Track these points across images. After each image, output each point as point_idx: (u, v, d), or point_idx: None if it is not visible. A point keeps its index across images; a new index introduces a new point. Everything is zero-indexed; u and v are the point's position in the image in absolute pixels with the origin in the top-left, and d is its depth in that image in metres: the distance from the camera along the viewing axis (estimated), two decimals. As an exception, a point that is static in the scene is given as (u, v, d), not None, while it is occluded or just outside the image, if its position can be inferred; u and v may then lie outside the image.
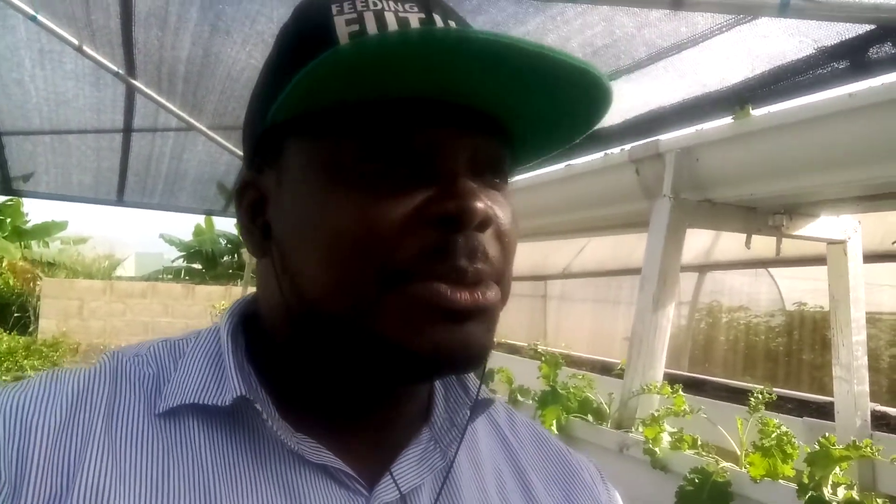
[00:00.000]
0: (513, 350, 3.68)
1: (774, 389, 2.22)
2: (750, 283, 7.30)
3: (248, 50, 3.23)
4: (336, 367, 0.50)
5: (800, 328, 6.42)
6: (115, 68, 3.57)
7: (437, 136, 0.46)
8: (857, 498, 0.89)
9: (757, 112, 2.63)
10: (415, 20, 0.47)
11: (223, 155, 5.64)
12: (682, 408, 1.34)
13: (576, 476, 0.62)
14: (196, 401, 0.49)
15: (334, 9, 0.48)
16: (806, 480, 0.94)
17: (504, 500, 0.57)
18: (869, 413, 1.77)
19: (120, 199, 6.28)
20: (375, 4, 0.48)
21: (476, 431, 0.60)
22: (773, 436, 1.02)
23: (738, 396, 2.23)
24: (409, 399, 0.55)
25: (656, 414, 1.27)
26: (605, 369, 2.69)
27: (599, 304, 7.78)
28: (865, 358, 1.76)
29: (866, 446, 0.93)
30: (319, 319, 0.49)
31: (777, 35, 2.25)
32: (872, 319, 6.19)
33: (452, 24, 0.49)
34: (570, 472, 0.62)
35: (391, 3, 0.48)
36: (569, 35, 2.61)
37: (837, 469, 0.94)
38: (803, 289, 5.49)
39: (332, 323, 0.48)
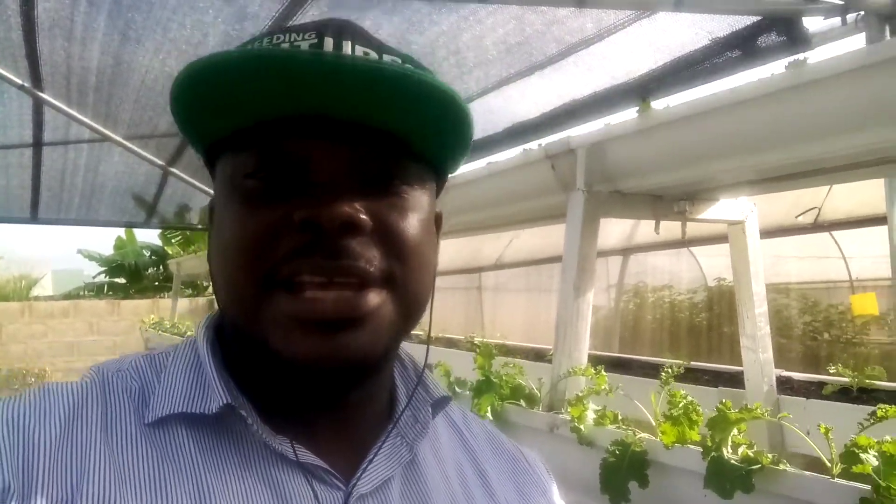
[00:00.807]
0: (451, 343, 3.76)
1: (692, 363, 2.39)
2: (672, 262, 7.63)
3: (161, 58, 3.17)
4: (266, 368, 0.53)
5: (720, 303, 6.77)
6: (19, 81, 3.44)
7: (308, 148, 0.50)
8: (751, 455, 1.00)
9: (661, 102, 2.79)
10: (305, 46, 0.50)
11: (142, 165, 5.47)
12: (603, 387, 1.44)
13: (527, 473, 0.67)
14: (184, 410, 0.51)
15: (247, 47, 0.52)
16: (709, 444, 1.05)
17: (465, 489, 0.62)
18: (774, 378, 1.92)
19: (34, 216, 6.00)
20: (278, 38, 0.52)
21: (437, 427, 0.64)
22: (680, 406, 1.12)
23: (660, 372, 2.38)
24: (369, 399, 0.58)
25: (581, 394, 1.36)
26: (539, 356, 2.80)
27: (532, 292, 7.98)
28: (768, 328, 1.91)
29: (756, 408, 1.04)
30: (232, 325, 0.54)
31: (675, 28, 2.41)
32: (782, 289, 6.60)
33: (347, 42, 0.51)
34: (520, 468, 0.68)
35: (291, 35, 0.51)
36: (482, 34, 2.69)
37: (736, 431, 1.05)
38: (724, 265, 5.80)
39: (237, 330, 0.53)
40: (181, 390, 0.53)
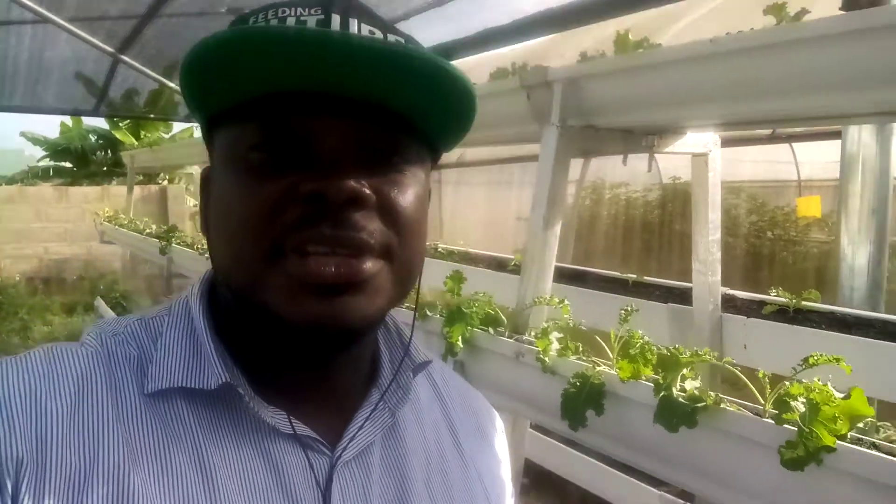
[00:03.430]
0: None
1: (645, 278, 2.54)
2: (630, 159, 7.77)
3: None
4: (261, 335, 0.56)
5: (673, 201, 6.99)
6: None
7: (313, 123, 0.51)
8: (697, 394, 1.14)
9: (635, 20, 2.77)
10: (312, 21, 0.52)
11: (91, 52, 5.21)
12: (566, 316, 1.56)
13: (487, 431, 0.73)
14: (183, 385, 0.54)
15: (251, 20, 0.54)
16: (661, 381, 1.19)
17: (441, 451, 0.66)
18: (720, 298, 2.09)
19: (-27, 101, 5.69)
20: (284, 12, 0.53)
21: (418, 390, 0.67)
22: (637, 345, 1.25)
23: (615, 286, 2.54)
24: (353, 364, 0.61)
25: (546, 326, 1.49)
26: (501, 265, 2.93)
27: (492, 187, 8.07)
28: (719, 254, 2.05)
29: (706, 353, 1.17)
30: (233, 292, 0.55)
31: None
32: (734, 189, 6.83)
33: (353, 20, 0.53)
34: (483, 426, 0.73)
35: (297, 9, 0.53)
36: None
37: (685, 370, 1.19)
38: (677, 164, 5.94)
39: (238, 295, 0.55)
40: (180, 363, 0.55)
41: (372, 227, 0.52)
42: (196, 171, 6.03)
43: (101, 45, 4.90)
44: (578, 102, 1.77)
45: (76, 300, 8.25)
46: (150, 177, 11.12)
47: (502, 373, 1.55)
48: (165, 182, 10.92)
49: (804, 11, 1.50)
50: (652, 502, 2.11)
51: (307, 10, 0.53)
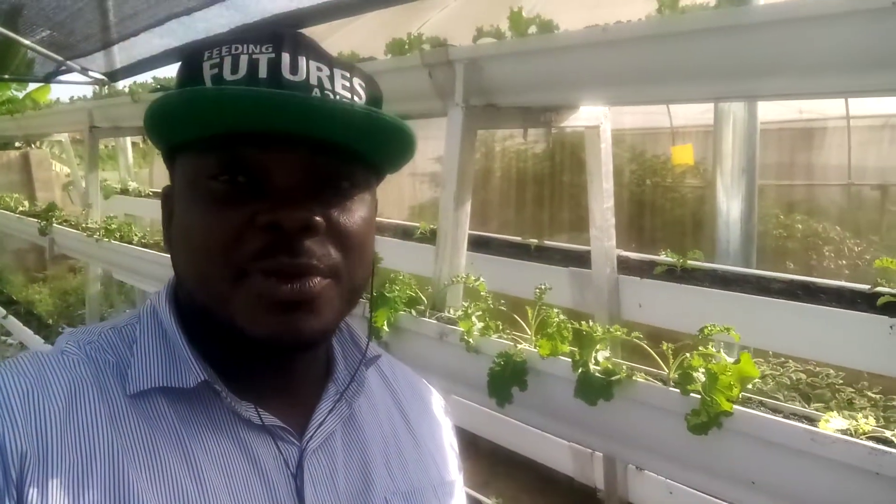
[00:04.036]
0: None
1: (545, 242, 2.68)
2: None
3: None
4: (228, 340, 0.60)
5: (561, 152, 7.26)
6: None
7: (268, 157, 0.56)
8: (610, 366, 1.25)
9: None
10: (264, 60, 0.57)
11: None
12: (483, 293, 1.64)
13: (433, 412, 0.82)
14: (163, 384, 0.59)
15: (206, 55, 0.58)
16: (577, 357, 1.29)
17: (395, 435, 0.72)
18: (615, 261, 2.25)
19: None
20: (236, 49, 0.57)
21: (370, 383, 0.74)
22: (554, 324, 1.34)
23: (518, 252, 2.66)
24: (311, 363, 0.68)
25: (467, 307, 1.56)
26: (407, 234, 2.97)
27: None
28: (613, 220, 2.19)
29: (616, 330, 1.29)
30: (199, 306, 0.60)
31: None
32: (617, 138, 7.19)
33: (303, 58, 0.58)
34: (430, 408, 0.81)
35: (248, 47, 0.57)
36: None
37: (598, 346, 1.30)
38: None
39: (205, 310, 0.60)
40: (157, 365, 0.60)
41: (323, 251, 0.58)
42: (65, 138, 5.57)
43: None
44: (480, 82, 1.81)
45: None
46: (5, 142, 10.15)
47: (428, 353, 1.62)
48: (26, 148, 10.01)
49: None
50: (562, 452, 2.29)
51: (259, 47, 0.57)
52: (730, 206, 2.73)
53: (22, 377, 0.56)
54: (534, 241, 2.67)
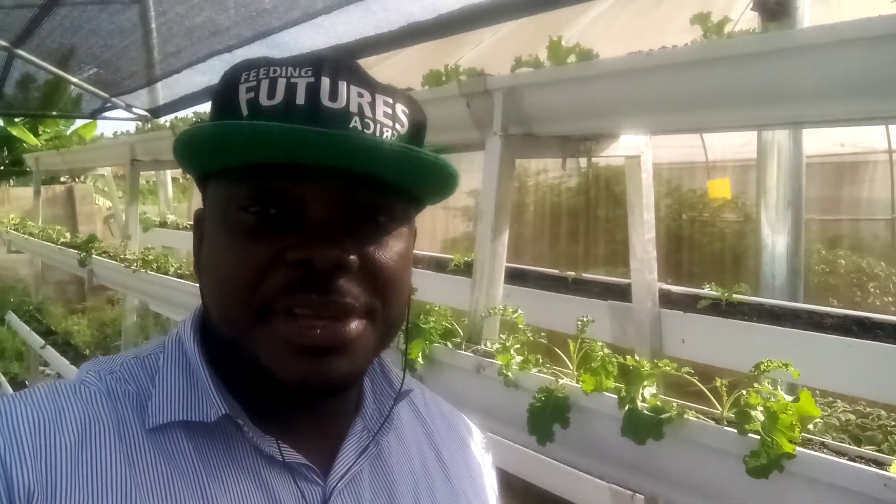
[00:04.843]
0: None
1: (584, 275, 2.61)
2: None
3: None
4: (253, 376, 0.57)
5: (596, 185, 7.20)
6: None
7: (301, 189, 0.54)
8: (659, 404, 1.19)
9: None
10: (302, 84, 0.54)
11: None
12: (521, 326, 1.59)
13: (471, 449, 0.77)
14: (183, 418, 0.56)
15: (243, 77, 0.56)
16: (623, 394, 1.23)
17: (426, 472, 0.68)
18: (657, 295, 2.17)
19: None
20: (275, 72, 0.55)
21: (400, 416, 0.70)
22: (598, 358, 1.28)
23: (555, 284, 2.60)
24: (341, 399, 0.64)
25: (505, 340, 1.51)
26: (441, 266, 2.94)
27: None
28: (654, 252, 2.13)
29: (665, 365, 1.22)
30: (226, 340, 0.58)
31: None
32: (654, 170, 7.12)
33: (343, 83, 0.55)
34: (466, 445, 0.76)
35: (287, 70, 0.55)
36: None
37: (645, 382, 1.23)
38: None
39: (230, 345, 0.57)
40: (178, 398, 0.57)
41: (356, 291, 0.55)
42: (108, 172, 5.71)
43: (-1, 41, 4.58)
44: (518, 111, 1.79)
45: (-19, 313, 7.70)
46: (52, 176, 10.49)
47: (463, 387, 1.57)
48: (71, 182, 10.32)
49: (726, 20, 1.57)
50: (602, 495, 2.19)
51: (298, 70, 0.55)
52: (775, 239, 2.64)
53: (35, 409, 0.54)
54: (571, 273, 2.61)
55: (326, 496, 0.59)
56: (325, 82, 0.55)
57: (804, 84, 1.32)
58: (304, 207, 0.54)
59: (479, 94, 1.86)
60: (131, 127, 4.92)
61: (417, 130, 0.61)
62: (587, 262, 6.62)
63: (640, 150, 2.06)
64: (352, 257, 0.54)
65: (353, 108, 0.55)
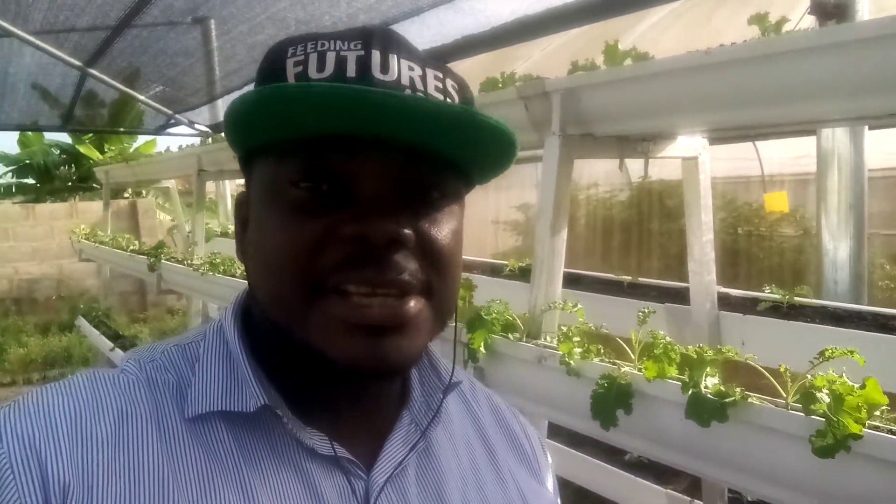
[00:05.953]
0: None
1: (639, 279, 2.62)
2: (600, 161, 7.92)
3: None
4: (300, 362, 0.56)
5: (647, 199, 7.14)
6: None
7: (354, 163, 0.52)
8: (723, 389, 1.20)
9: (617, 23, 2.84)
10: (352, 57, 0.52)
11: (57, 66, 5.15)
12: (581, 319, 1.62)
13: (523, 445, 0.73)
14: (223, 408, 0.54)
15: (289, 51, 0.54)
16: (688, 379, 1.25)
17: (475, 468, 0.65)
18: (716, 297, 2.17)
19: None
20: (323, 45, 0.53)
21: (448, 408, 0.67)
22: (661, 346, 1.31)
23: (611, 288, 2.61)
24: (388, 388, 0.62)
25: (566, 330, 1.54)
26: (495, 271, 2.98)
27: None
28: (713, 253, 2.13)
29: (728, 351, 1.24)
30: (275, 323, 0.55)
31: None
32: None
33: (394, 56, 0.53)
34: (518, 441, 0.73)
35: (336, 43, 0.53)
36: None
37: (708, 368, 1.25)
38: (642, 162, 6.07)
39: (280, 328, 0.55)
40: (218, 387, 0.56)
41: (412, 266, 0.53)
42: (172, 185, 5.96)
43: (67, 58, 4.84)
44: (576, 112, 1.83)
45: (50, 320, 8.10)
46: (116, 191, 10.93)
47: (525, 378, 1.60)
48: (133, 197, 10.75)
49: (784, 20, 1.58)
50: (659, 501, 2.18)
51: (347, 44, 0.53)
52: (837, 245, 2.59)
53: (73, 398, 0.53)
54: (627, 277, 2.62)
55: (370, 491, 0.56)
56: (376, 55, 0.53)
57: (862, 78, 1.32)
58: (357, 182, 0.52)
59: (537, 96, 1.91)
60: (194, 142, 5.15)
61: (467, 106, 0.58)
62: (640, 275, 6.55)
63: (697, 152, 2.07)
64: (408, 231, 0.51)
65: (405, 81, 0.53)
